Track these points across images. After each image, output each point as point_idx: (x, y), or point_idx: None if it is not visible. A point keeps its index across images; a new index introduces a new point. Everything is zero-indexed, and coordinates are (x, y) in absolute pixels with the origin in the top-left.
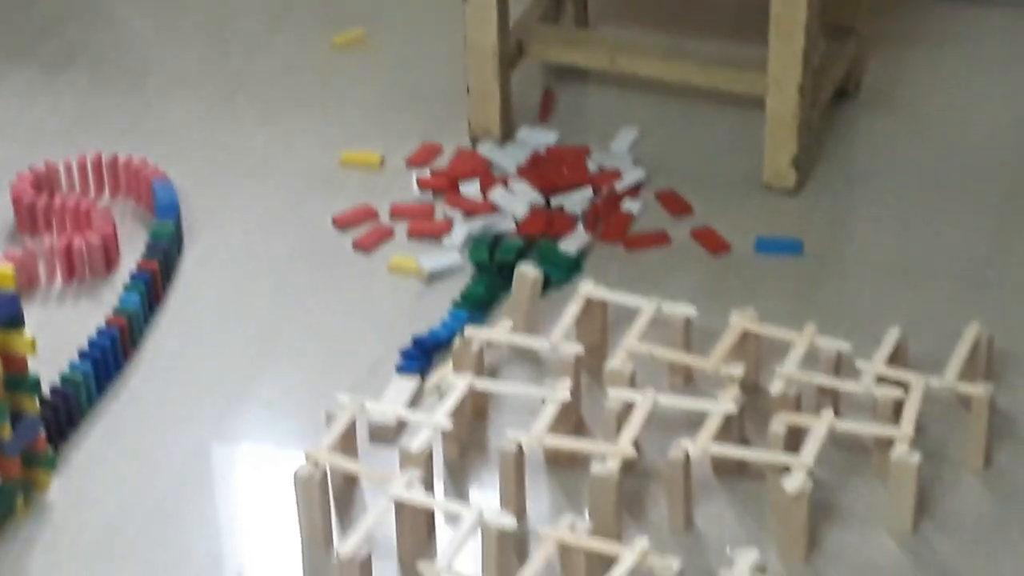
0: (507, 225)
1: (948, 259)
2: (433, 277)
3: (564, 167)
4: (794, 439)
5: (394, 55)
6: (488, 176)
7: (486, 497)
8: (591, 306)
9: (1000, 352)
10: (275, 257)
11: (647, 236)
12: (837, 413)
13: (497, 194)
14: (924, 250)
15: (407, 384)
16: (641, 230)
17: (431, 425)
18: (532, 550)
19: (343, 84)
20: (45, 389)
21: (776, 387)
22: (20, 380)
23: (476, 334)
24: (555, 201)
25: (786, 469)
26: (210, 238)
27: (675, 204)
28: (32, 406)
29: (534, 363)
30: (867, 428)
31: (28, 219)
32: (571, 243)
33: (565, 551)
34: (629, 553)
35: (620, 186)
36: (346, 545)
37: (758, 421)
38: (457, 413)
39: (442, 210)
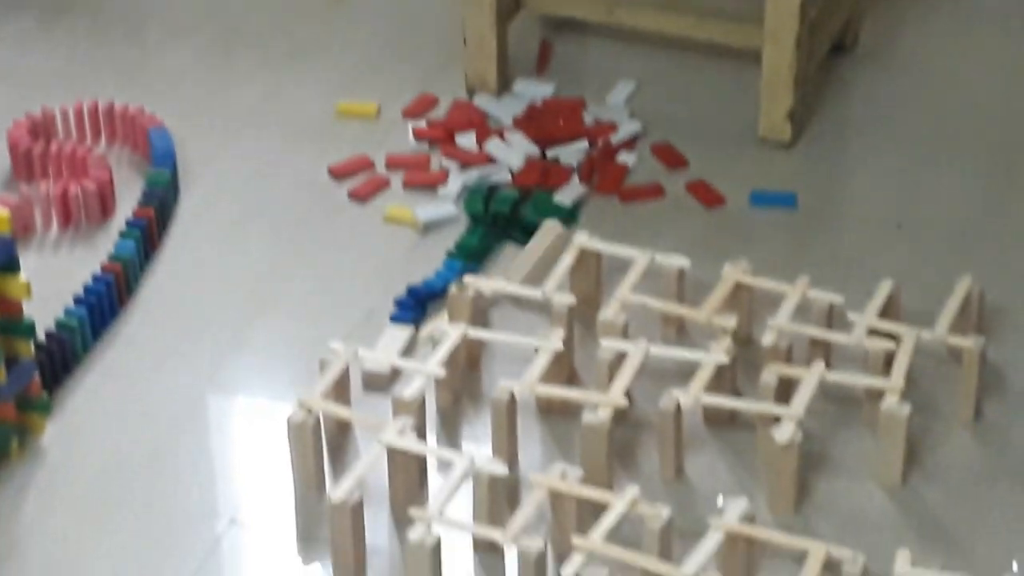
0: (503, 176)
1: (941, 213)
2: (428, 227)
3: (560, 119)
4: (785, 390)
5: (392, 6)
6: (484, 127)
7: (478, 445)
8: (585, 257)
9: (991, 306)
10: (270, 206)
11: (642, 188)
12: (828, 365)
13: (493, 145)
14: (918, 204)
15: (401, 333)
16: (636, 183)
17: (424, 373)
18: (523, 497)
19: (340, 34)
20: (40, 334)
21: (768, 338)
22: (15, 324)
23: (472, 283)
24: (551, 153)
25: (777, 420)
26: (206, 187)
27: (670, 157)
28: (27, 350)
29: (531, 313)
30: (858, 380)
31: (24, 166)
32: (566, 195)
33: (556, 499)
34: (619, 501)
35: (616, 138)
36: (338, 490)
37: (750, 372)
38: (450, 361)
39: (438, 161)
